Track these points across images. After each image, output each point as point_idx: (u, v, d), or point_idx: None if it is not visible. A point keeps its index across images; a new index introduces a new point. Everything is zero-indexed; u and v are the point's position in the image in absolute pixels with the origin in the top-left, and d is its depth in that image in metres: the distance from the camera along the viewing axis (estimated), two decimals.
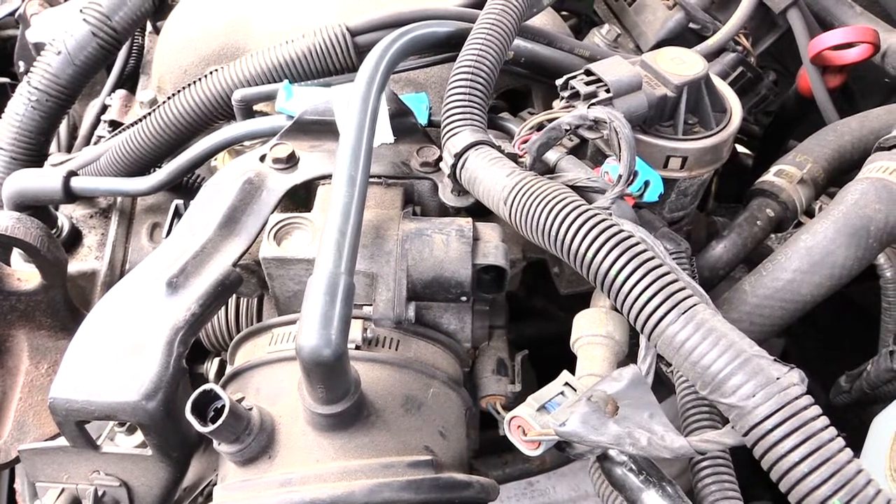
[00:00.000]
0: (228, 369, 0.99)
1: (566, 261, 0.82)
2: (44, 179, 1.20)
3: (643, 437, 0.76)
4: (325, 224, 0.83)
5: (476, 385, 1.10)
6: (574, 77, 1.04)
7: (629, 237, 0.78)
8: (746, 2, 1.45)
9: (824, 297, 1.05)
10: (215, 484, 0.92)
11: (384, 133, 1.06)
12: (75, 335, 0.88)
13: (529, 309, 1.54)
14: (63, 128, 1.66)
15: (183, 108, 1.20)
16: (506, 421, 0.86)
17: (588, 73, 1.04)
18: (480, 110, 1.01)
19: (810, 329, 1.50)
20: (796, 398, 0.67)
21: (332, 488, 0.80)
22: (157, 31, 1.63)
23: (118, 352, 0.86)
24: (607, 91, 1.00)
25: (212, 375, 1.27)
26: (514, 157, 0.98)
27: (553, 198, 0.83)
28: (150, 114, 1.24)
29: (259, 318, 1.16)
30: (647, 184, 1.01)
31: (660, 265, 0.76)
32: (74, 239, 1.30)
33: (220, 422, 0.76)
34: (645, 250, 0.77)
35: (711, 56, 1.46)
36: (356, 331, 0.91)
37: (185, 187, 1.32)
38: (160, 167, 1.22)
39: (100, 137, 1.47)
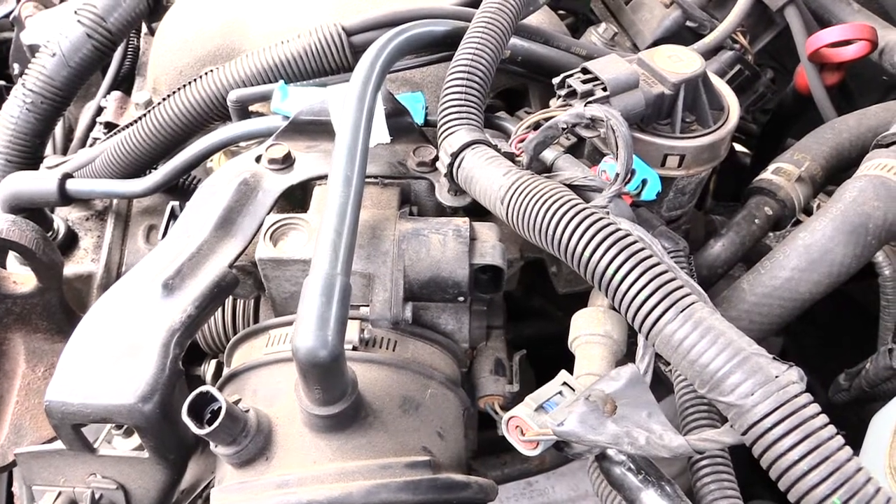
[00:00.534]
0: (225, 371, 0.99)
1: (564, 260, 0.82)
2: (39, 182, 1.19)
3: (641, 436, 0.76)
4: (320, 224, 0.83)
5: (474, 385, 1.09)
6: (571, 75, 1.04)
7: (627, 236, 0.78)
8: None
9: (823, 295, 1.05)
10: (213, 486, 0.92)
11: (380, 133, 1.06)
12: (71, 338, 0.88)
13: (527, 309, 1.54)
14: (59, 130, 1.66)
15: (178, 110, 1.20)
16: (504, 421, 0.86)
17: (585, 71, 1.03)
18: (477, 109, 1.01)
19: (809, 327, 1.50)
20: (795, 396, 0.66)
21: (329, 490, 0.79)
22: (152, 32, 1.63)
23: (114, 354, 0.86)
24: (604, 89, 1.00)
25: (209, 377, 1.27)
26: (510, 157, 0.98)
27: (550, 197, 0.83)
28: (145, 115, 1.23)
29: (256, 320, 1.16)
30: (644, 182, 1.01)
31: (658, 264, 0.75)
32: (70, 241, 1.30)
33: (216, 424, 0.75)
34: (643, 249, 0.77)
35: (709, 54, 1.46)
36: (353, 332, 0.91)
37: (181, 189, 1.31)
38: (156, 169, 1.22)
39: (95, 139, 1.47)
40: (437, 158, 1.04)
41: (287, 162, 1.06)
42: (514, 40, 1.21)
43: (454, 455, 0.94)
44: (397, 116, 1.09)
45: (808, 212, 1.24)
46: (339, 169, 0.87)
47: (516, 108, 1.35)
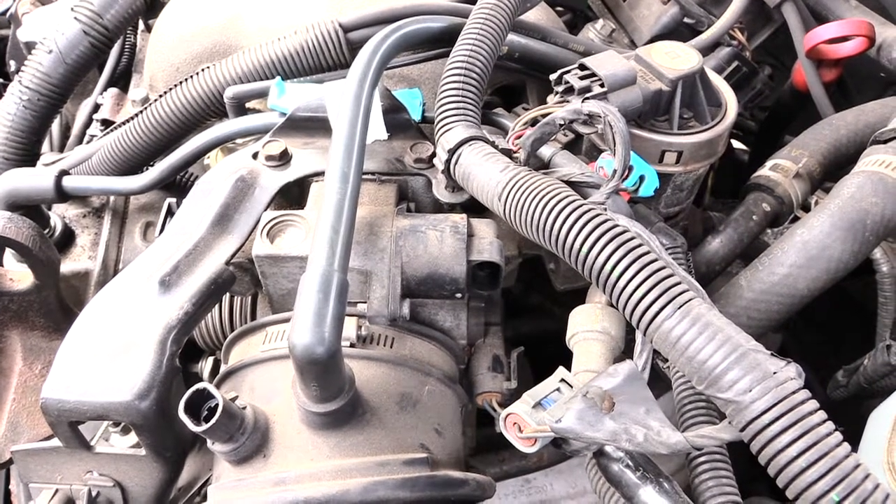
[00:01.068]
0: (222, 368, 0.99)
1: (561, 256, 0.82)
2: (36, 179, 1.19)
3: (639, 432, 0.76)
4: (317, 221, 0.83)
5: (472, 382, 1.09)
6: (568, 72, 1.03)
7: (624, 232, 0.78)
8: None
9: (821, 292, 1.05)
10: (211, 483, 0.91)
11: (377, 129, 1.06)
12: (67, 335, 0.88)
13: (525, 305, 1.54)
14: (55, 127, 1.65)
15: (175, 106, 1.20)
16: (502, 418, 0.86)
17: (582, 67, 1.03)
18: (474, 106, 1.01)
19: (807, 324, 1.50)
20: (793, 392, 0.66)
21: (326, 487, 0.79)
22: (148, 29, 1.62)
23: (110, 351, 0.85)
24: (602, 85, 1.00)
25: (206, 374, 1.27)
26: (508, 153, 0.98)
27: (547, 193, 0.83)
28: (142, 112, 1.23)
29: (253, 317, 1.16)
30: (642, 178, 1.01)
31: (655, 260, 0.75)
32: (67, 238, 1.30)
33: (213, 421, 0.75)
34: (640, 245, 0.76)
35: (706, 50, 1.45)
36: (350, 328, 0.91)
37: (177, 185, 1.31)
38: (153, 165, 1.22)
39: (92, 136, 1.46)
40: (434, 155, 1.04)
41: (284, 159, 1.06)
42: (512, 36, 1.21)
43: (452, 452, 0.94)
44: (394, 113, 1.09)
45: (806, 208, 1.24)
46: (336, 165, 0.87)
47: (514, 104, 1.35)
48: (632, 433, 0.76)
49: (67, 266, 1.26)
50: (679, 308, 0.72)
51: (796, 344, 1.67)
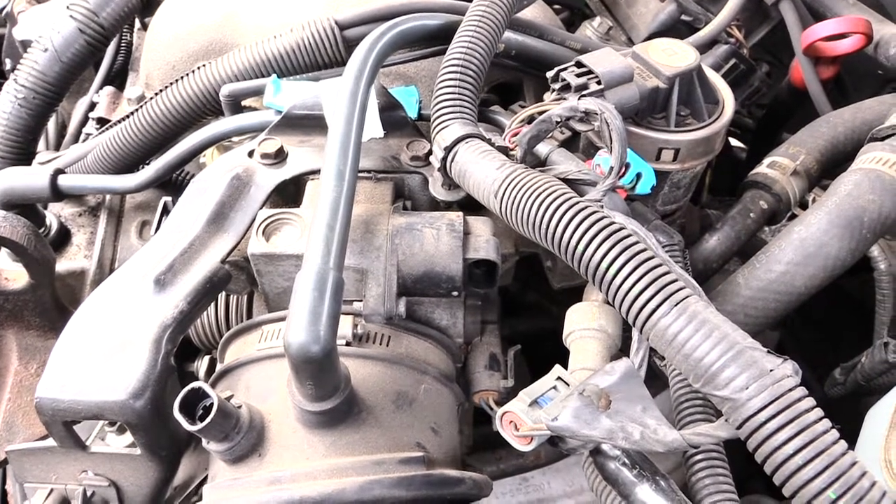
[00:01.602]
0: (218, 367, 0.98)
1: (558, 254, 0.82)
2: (31, 178, 1.18)
3: (636, 430, 0.76)
4: (313, 219, 0.82)
5: (468, 380, 1.09)
6: (565, 69, 1.03)
7: (621, 229, 0.77)
8: None
9: (818, 289, 1.05)
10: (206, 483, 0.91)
11: (373, 127, 1.06)
12: (62, 334, 0.87)
13: (522, 303, 1.54)
14: (51, 125, 1.65)
15: (171, 104, 1.19)
16: (498, 416, 0.85)
17: (579, 64, 1.03)
18: (471, 103, 1.01)
19: (805, 321, 1.50)
20: (790, 390, 0.66)
21: (322, 486, 0.79)
22: (144, 27, 1.62)
23: (105, 350, 0.85)
24: (598, 83, 1.00)
25: (202, 373, 1.26)
26: (504, 151, 0.97)
27: (544, 190, 0.83)
28: (137, 110, 1.23)
29: (249, 315, 1.15)
30: (639, 176, 1.00)
31: (652, 257, 0.75)
32: (63, 237, 1.29)
33: (208, 420, 0.75)
34: (637, 243, 0.76)
35: (704, 48, 1.45)
36: (346, 327, 0.90)
37: (173, 184, 1.31)
38: (148, 164, 1.21)
39: (88, 135, 1.46)
40: (430, 152, 1.04)
41: (280, 157, 1.06)
42: (509, 34, 1.20)
43: (448, 450, 0.94)
44: (391, 110, 1.09)
45: (803, 206, 1.24)
46: (332, 163, 0.87)
47: (510, 101, 1.34)
48: (628, 431, 0.76)
49: (63, 265, 1.26)
50: (676, 305, 0.71)
51: (793, 341, 1.67)
